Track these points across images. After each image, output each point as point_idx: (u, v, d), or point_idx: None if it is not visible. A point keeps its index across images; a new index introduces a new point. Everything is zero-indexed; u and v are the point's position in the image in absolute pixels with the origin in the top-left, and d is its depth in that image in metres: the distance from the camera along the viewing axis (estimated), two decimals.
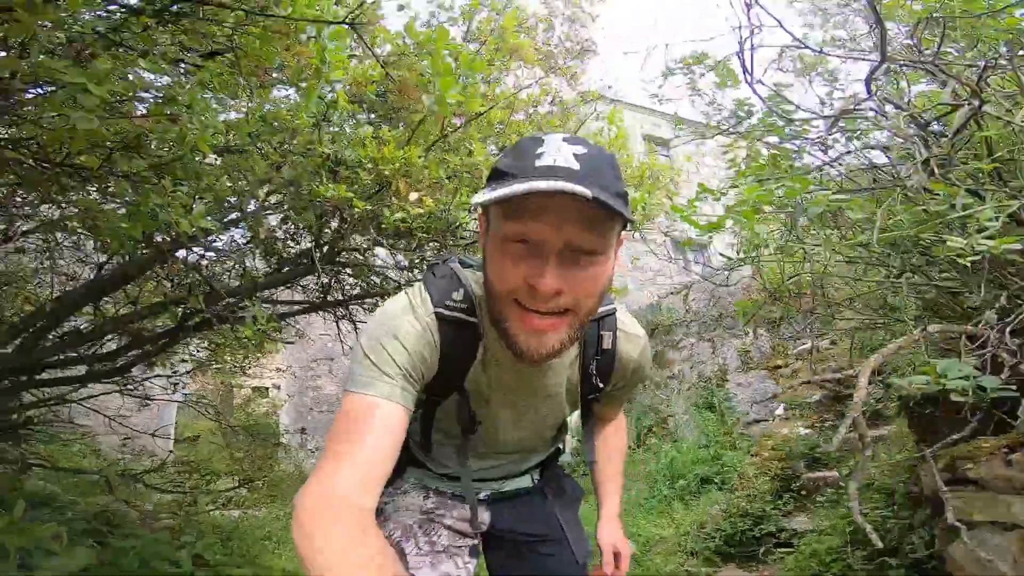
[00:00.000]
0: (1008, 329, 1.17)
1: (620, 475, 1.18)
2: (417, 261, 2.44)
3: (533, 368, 0.83)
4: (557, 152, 0.66)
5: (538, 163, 0.66)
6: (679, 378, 6.09)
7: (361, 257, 2.74)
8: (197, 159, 1.60)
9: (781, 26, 1.71)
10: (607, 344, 0.89)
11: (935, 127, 1.54)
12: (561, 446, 1.19)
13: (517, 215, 0.66)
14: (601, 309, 0.84)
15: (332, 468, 0.68)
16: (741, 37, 1.60)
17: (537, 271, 0.66)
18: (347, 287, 3.13)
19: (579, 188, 0.60)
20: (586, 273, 0.68)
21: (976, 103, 1.29)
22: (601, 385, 0.92)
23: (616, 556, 1.10)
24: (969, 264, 1.13)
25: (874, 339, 2.47)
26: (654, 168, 3.26)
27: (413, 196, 1.98)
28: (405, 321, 0.78)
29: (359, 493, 0.66)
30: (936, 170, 1.30)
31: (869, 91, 1.50)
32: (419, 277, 1.79)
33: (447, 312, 0.80)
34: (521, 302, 0.69)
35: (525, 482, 1.15)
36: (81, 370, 2.87)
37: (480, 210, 0.80)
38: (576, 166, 0.65)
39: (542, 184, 0.61)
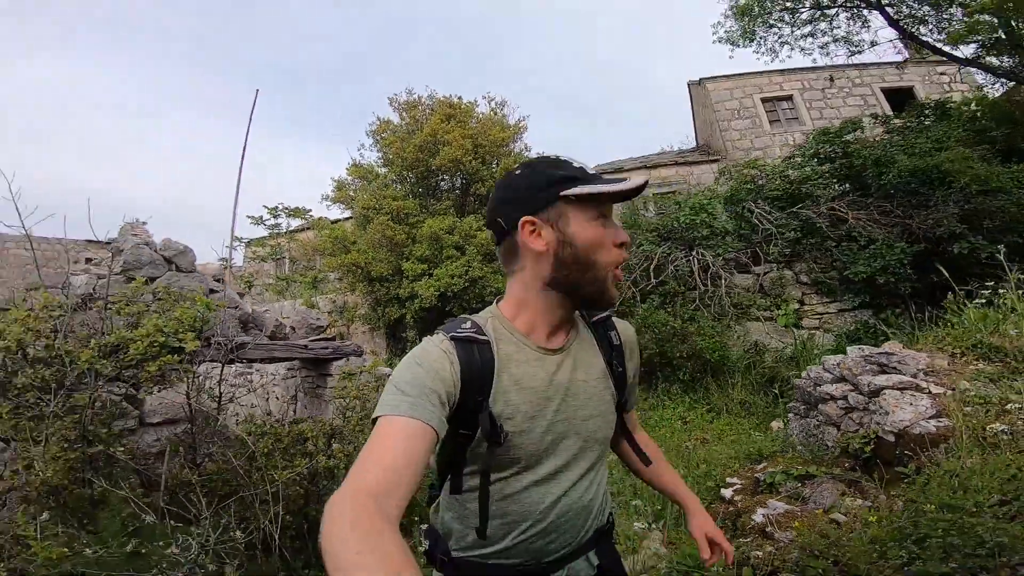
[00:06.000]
0: None
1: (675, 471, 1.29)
2: None
3: (554, 359, 0.99)
4: (584, 165, 0.99)
5: (589, 171, 0.97)
6: None
7: None
8: None
9: None
10: (616, 341, 1.10)
11: None
12: (612, 514, 1.14)
13: (601, 204, 0.95)
14: (601, 315, 1.10)
15: (355, 474, 0.71)
16: None
17: (618, 232, 0.98)
18: None
19: (640, 181, 0.92)
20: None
21: None
22: (622, 369, 1.09)
23: (711, 543, 1.15)
24: None
25: None
26: None
27: None
28: (423, 349, 0.92)
29: (380, 491, 0.68)
30: None
31: None
32: None
33: (460, 334, 0.94)
34: (617, 264, 0.97)
35: (583, 567, 1.04)
36: None
37: (531, 220, 0.97)
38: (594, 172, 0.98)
39: (638, 180, 0.92)
